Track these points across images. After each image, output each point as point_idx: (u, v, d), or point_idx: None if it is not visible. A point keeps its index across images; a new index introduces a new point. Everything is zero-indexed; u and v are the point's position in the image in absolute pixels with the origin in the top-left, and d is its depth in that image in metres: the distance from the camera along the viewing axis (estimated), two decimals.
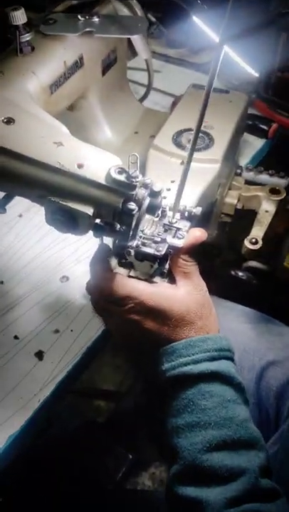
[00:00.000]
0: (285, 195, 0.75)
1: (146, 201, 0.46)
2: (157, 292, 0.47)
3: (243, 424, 0.43)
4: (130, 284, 0.47)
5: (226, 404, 0.43)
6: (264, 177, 0.81)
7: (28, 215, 0.76)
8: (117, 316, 0.48)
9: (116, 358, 1.41)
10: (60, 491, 0.85)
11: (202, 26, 0.49)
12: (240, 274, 0.97)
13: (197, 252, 0.50)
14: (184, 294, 0.47)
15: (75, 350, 0.60)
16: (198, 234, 0.49)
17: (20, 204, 0.75)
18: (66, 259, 0.71)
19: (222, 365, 0.45)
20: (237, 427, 0.42)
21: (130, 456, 1.09)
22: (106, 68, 0.72)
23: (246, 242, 0.69)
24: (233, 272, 0.98)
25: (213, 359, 0.44)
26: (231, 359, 0.46)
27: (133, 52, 0.82)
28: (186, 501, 0.41)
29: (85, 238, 0.70)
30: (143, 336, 0.47)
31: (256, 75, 0.54)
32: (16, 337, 0.62)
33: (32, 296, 0.66)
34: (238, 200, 0.76)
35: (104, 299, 0.48)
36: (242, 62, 0.50)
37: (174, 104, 0.96)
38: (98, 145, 0.49)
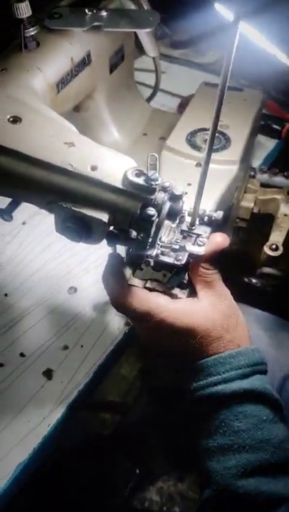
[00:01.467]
0: None
1: (167, 206, 0.43)
2: (179, 309, 0.44)
3: (280, 446, 0.40)
4: (150, 299, 0.44)
5: (262, 425, 0.41)
6: (279, 179, 0.78)
7: (32, 222, 0.74)
8: (141, 330, 0.47)
9: (121, 368, 1.38)
10: (66, 507, 0.83)
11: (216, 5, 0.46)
12: (254, 281, 0.93)
13: (218, 259, 0.47)
14: (207, 306, 0.44)
15: (86, 367, 0.58)
16: (220, 240, 0.46)
17: (24, 211, 0.72)
18: (74, 269, 0.69)
19: (256, 382, 0.42)
20: (274, 449, 0.40)
21: (137, 471, 1.06)
22: (113, 66, 0.69)
23: (266, 249, 0.65)
24: (246, 279, 0.95)
25: (245, 376, 0.42)
26: (265, 372, 0.44)
27: (139, 50, 0.80)
28: None
29: (94, 246, 0.67)
30: (170, 351, 0.46)
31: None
32: (22, 354, 0.59)
33: (38, 309, 0.64)
34: (255, 204, 0.72)
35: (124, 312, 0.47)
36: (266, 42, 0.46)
37: (181, 106, 0.95)
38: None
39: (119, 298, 0.45)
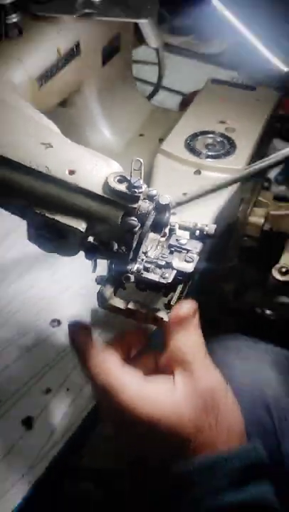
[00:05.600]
0: None
1: (151, 217, 0.48)
2: (143, 393, 0.45)
3: None
4: (112, 372, 0.46)
5: None
6: None
7: (6, 242, 0.78)
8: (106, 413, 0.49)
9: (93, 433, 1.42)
10: None
11: (223, 10, 0.53)
12: (267, 312, 0.98)
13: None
14: (179, 395, 0.45)
15: (73, 415, 0.60)
16: (187, 308, 0.49)
17: None
18: (57, 299, 0.72)
19: (258, 493, 0.42)
20: None
21: None
22: (107, 58, 0.76)
23: (274, 272, 0.70)
24: (258, 310, 1.00)
25: (243, 483, 0.42)
26: (258, 476, 0.43)
27: (139, 39, 0.87)
28: None
29: (80, 271, 0.72)
30: (130, 444, 0.47)
31: (285, 69, 0.58)
32: None
33: (15, 345, 0.67)
34: (266, 220, 0.78)
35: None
36: (268, 53, 0.54)
37: (183, 104, 1.02)
38: (94, 149, 0.51)
39: (81, 357, 0.48)
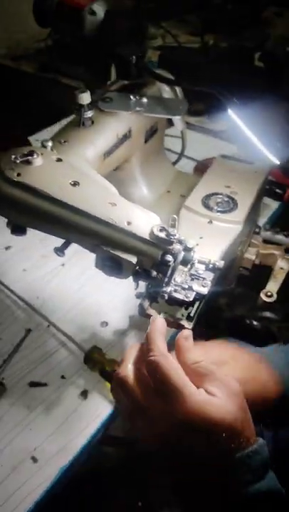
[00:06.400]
0: None
1: (181, 255, 0.55)
2: (208, 400, 0.40)
3: None
4: (186, 381, 0.41)
5: None
6: (280, 237, 0.90)
7: (69, 264, 0.82)
8: (151, 415, 0.42)
9: None
10: None
11: (235, 118, 0.60)
12: (254, 323, 1.04)
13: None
14: (225, 400, 0.41)
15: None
16: (185, 336, 0.47)
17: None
18: (105, 306, 0.75)
19: (270, 483, 0.40)
20: None
21: (140, 504, 1.08)
22: (148, 138, 0.82)
23: (262, 295, 0.76)
24: (247, 321, 1.05)
25: (261, 478, 0.40)
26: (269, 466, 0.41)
27: (169, 122, 0.95)
28: None
29: (121, 287, 0.75)
30: (182, 448, 0.41)
31: (277, 162, 0.65)
32: (62, 376, 0.65)
33: (76, 339, 0.69)
34: (256, 257, 0.84)
35: (147, 386, 0.43)
36: (264, 149, 0.61)
37: (196, 169, 1.05)
38: (134, 200, 0.57)
39: (156, 362, 0.41)
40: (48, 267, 0.82)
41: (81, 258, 0.82)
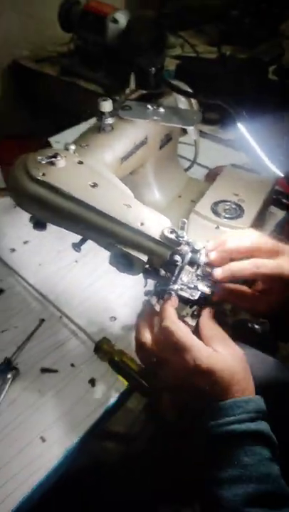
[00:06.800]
0: None
1: (188, 256, 0.59)
2: (212, 354, 0.49)
3: (278, 480, 0.46)
4: (193, 338, 0.50)
5: (265, 461, 0.46)
6: None
7: (82, 261, 0.86)
8: (171, 366, 0.51)
9: (127, 401, 1.48)
10: None
11: (243, 131, 0.64)
12: (256, 326, 1.08)
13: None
14: (229, 356, 0.50)
15: (118, 383, 0.67)
16: (208, 310, 0.57)
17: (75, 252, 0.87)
18: (114, 302, 0.78)
19: (261, 426, 0.47)
20: (273, 482, 0.45)
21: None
22: (163, 145, 0.87)
23: None
24: (249, 324, 1.09)
25: (253, 420, 0.47)
26: (266, 419, 0.49)
27: (183, 131, 0.99)
28: None
29: (130, 285, 0.81)
30: (193, 391, 0.50)
31: (281, 174, 0.68)
32: (72, 365, 0.69)
33: (85, 331, 0.73)
34: None
35: (164, 345, 0.51)
36: (268, 162, 0.64)
37: (208, 176, 1.09)
38: (147, 203, 0.61)
39: (174, 326, 0.50)
40: (62, 263, 0.86)
41: (94, 256, 0.86)
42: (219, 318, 0.62)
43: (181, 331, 0.50)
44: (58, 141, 1.20)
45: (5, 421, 0.61)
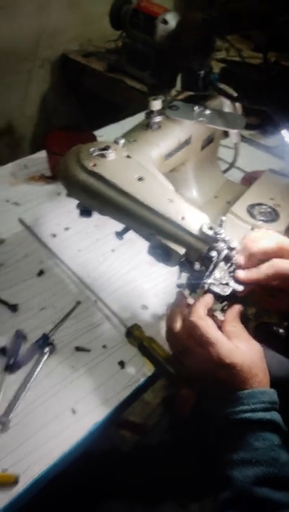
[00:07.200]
0: None
1: (224, 252, 0.61)
2: (233, 349, 0.54)
3: (285, 465, 0.50)
4: (218, 332, 0.55)
5: (274, 447, 0.50)
6: None
7: (119, 251, 0.90)
8: (196, 357, 0.56)
9: (145, 393, 1.52)
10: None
11: (287, 139, 0.66)
12: (281, 330, 1.09)
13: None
14: (248, 350, 0.55)
15: (144, 367, 0.70)
16: (237, 307, 0.61)
17: (113, 241, 0.90)
18: (147, 292, 0.82)
19: (274, 416, 0.52)
20: (281, 466, 0.49)
21: None
22: (204, 145, 0.90)
23: None
24: (274, 328, 1.11)
25: (266, 410, 0.51)
26: (278, 410, 0.53)
27: (225, 134, 1.01)
28: None
29: (163, 277, 0.84)
30: (214, 381, 0.54)
31: None
32: (104, 346, 0.72)
33: (118, 317, 0.76)
34: None
35: (190, 337, 0.56)
36: None
37: (244, 179, 1.11)
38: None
39: (201, 321, 0.55)
40: (99, 251, 0.90)
41: (129, 247, 0.90)
42: (242, 320, 0.65)
43: (207, 326, 0.55)
44: (101, 135, 1.24)
45: (40, 391, 0.65)
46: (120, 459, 1.22)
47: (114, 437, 1.35)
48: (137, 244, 0.90)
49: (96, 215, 0.69)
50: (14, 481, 0.56)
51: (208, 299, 0.59)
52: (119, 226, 0.67)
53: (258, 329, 1.13)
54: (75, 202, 0.69)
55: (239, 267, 0.61)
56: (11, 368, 0.67)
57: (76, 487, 0.99)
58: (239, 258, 0.60)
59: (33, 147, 1.91)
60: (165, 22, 1.47)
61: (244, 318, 0.84)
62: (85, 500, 0.92)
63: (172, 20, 1.46)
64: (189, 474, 1.06)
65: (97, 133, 1.25)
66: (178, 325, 0.59)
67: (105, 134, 1.26)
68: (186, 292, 0.67)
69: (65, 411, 0.64)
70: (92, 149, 0.64)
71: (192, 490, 1.12)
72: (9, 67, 1.68)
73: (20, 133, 1.87)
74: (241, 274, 0.60)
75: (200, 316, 0.56)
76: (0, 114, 1.76)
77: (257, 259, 0.60)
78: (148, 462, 1.18)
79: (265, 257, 0.60)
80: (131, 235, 0.68)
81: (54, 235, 0.93)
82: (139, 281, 0.84)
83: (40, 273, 0.84)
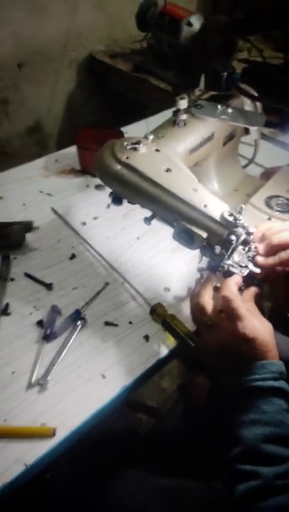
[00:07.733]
0: None
1: (243, 237, 0.68)
2: (257, 325, 0.61)
3: None
4: (245, 311, 0.61)
5: (282, 411, 0.56)
6: None
7: (143, 238, 0.97)
8: (221, 329, 0.62)
9: (162, 380, 1.59)
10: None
11: None
12: None
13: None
14: (265, 329, 0.62)
15: (172, 338, 0.76)
16: (253, 289, 0.69)
17: (138, 229, 0.98)
18: (169, 276, 0.89)
19: (282, 384, 0.58)
20: (287, 428, 0.55)
21: None
22: (226, 142, 0.96)
23: None
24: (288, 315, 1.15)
25: (276, 379, 0.58)
26: (287, 380, 0.59)
27: (246, 131, 1.07)
28: (244, 473, 0.54)
29: (184, 263, 0.91)
30: (234, 353, 0.61)
31: None
32: (130, 322, 0.79)
33: (142, 297, 0.83)
34: None
35: (218, 312, 0.63)
36: None
37: (263, 174, 1.16)
38: None
39: (233, 295, 0.61)
40: (126, 238, 0.97)
41: (153, 235, 0.98)
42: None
43: (239, 302, 0.62)
44: (126, 132, 1.31)
45: (73, 358, 0.73)
46: (137, 437, 1.30)
47: (131, 419, 1.43)
48: (160, 233, 0.97)
49: (123, 206, 0.76)
50: (52, 434, 0.64)
51: (238, 279, 0.65)
52: (145, 216, 0.74)
53: (271, 316, 1.18)
54: (102, 194, 0.75)
55: (258, 253, 0.68)
56: (47, 338, 0.75)
57: (99, 460, 1.07)
58: (259, 247, 0.67)
59: (59, 144, 2.00)
60: (190, 24, 1.54)
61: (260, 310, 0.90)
62: (107, 469, 1.00)
63: (196, 22, 1.53)
64: (203, 461, 1.10)
65: (122, 130, 1.32)
66: (207, 299, 0.65)
67: (130, 131, 1.33)
68: (208, 274, 0.73)
69: (96, 376, 0.71)
70: (125, 143, 0.71)
71: (205, 477, 1.20)
72: (39, 67, 1.77)
73: (48, 130, 1.96)
74: (261, 259, 0.67)
75: (233, 292, 0.62)
76: (30, 112, 1.84)
77: (276, 249, 0.67)
78: (162, 447, 1.25)
79: (284, 248, 0.66)
80: (155, 224, 0.74)
81: (84, 223, 1.00)
82: (162, 266, 0.91)
83: (72, 257, 0.92)
